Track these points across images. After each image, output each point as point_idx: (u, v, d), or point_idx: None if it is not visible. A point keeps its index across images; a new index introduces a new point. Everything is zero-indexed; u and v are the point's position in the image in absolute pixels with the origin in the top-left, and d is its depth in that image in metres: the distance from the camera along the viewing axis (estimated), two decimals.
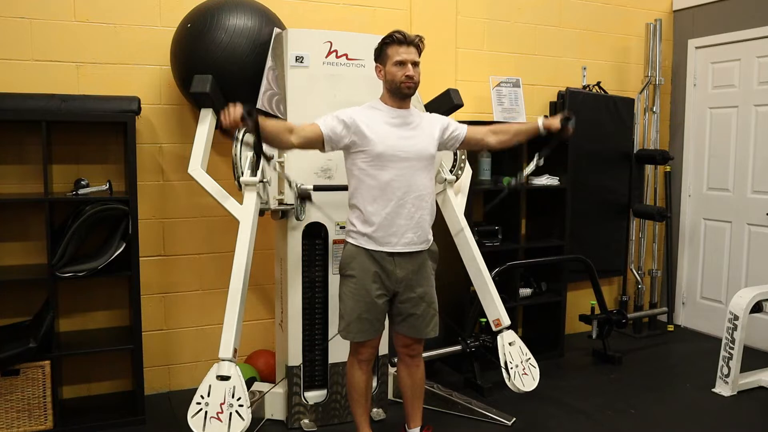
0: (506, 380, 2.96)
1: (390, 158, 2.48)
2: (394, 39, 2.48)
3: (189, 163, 2.85)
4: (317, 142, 2.47)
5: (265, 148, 2.41)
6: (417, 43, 2.51)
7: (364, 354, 2.65)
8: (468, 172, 3.39)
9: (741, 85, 4.43)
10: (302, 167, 2.98)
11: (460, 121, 3.62)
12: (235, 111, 2.17)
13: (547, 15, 4.37)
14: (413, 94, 2.56)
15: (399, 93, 2.51)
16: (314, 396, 3.15)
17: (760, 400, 3.50)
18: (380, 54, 2.53)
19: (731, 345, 3.51)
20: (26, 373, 2.90)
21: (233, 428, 2.34)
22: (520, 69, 4.24)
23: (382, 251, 2.53)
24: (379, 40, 2.54)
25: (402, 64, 2.47)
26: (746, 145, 4.41)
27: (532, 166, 2.65)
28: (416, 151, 2.53)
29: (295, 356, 3.06)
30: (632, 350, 4.32)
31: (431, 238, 2.66)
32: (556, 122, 2.64)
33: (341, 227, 3.04)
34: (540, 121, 2.68)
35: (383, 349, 3.12)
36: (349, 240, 2.59)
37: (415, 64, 2.50)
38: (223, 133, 2.26)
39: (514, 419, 3.18)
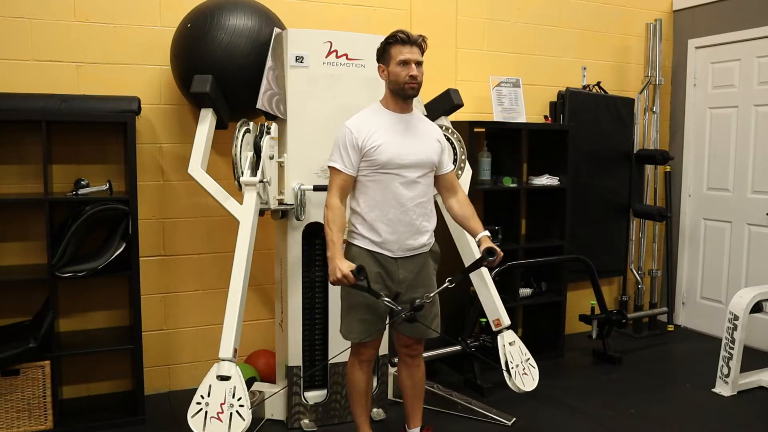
0: (507, 380, 2.96)
1: (394, 166, 2.48)
2: (397, 39, 2.47)
3: (189, 163, 2.85)
4: (352, 183, 2.53)
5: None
6: (420, 43, 2.50)
7: (366, 354, 2.65)
8: (468, 172, 3.38)
9: (741, 85, 4.43)
10: (302, 167, 2.99)
11: (460, 122, 3.66)
12: (348, 276, 2.35)
13: (547, 15, 4.37)
14: (417, 94, 2.55)
15: (402, 93, 2.50)
16: (314, 396, 3.15)
17: (760, 400, 3.50)
18: (383, 54, 2.52)
19: (731, 345, 3.51)
20: (26, 373, 2.89)
21: (233, 428, 2.34)
22: (520, 69, 4.24)
23: (384, 254, 2.54)
24: (382, 40, 2.53)
25: (405, 63, 2.46)
26: (746, 145, 4.40)
27: (444, 286, 2.58)
28: (420, 159, 2.53)
29: (295, 356, 3.06)
30: (632, 350, 4.32)
31: (432, 241, 2.66)
32: (481, 247, 2.56)
33: None
34: (481, 234, 2.62)
35: (383, 349, 3.12)
36: (352, 241, 2.59)
37: (419, 63, 2.49)
38: (332, 283, 2.43)
39: (514, 419, 3.18)
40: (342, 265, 2.38)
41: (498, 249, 2.53)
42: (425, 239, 2.60)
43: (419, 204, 2.54)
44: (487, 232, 2.63)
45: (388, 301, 2.49)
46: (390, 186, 2.49)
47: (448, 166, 2.70)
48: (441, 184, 2.71)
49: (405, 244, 2.54)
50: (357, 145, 2.47)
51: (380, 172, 2.48)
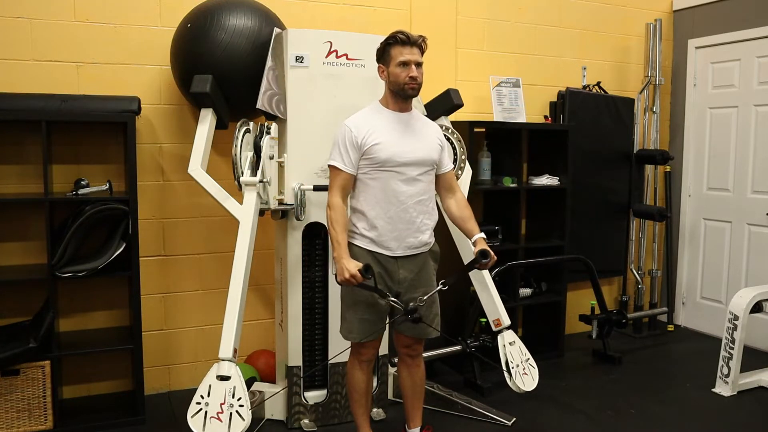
0: (507, 380, 2.96)
1: (394, 164, 2.48)
2: (397, 39, 2.47)
3: (189, 163, 2.85)
4: (353, 181, 2.53)
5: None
6: (420, 44, 2.50)
7: (366, 354, 2.65)
8: (468, 172, 3.38)
9: (741, 85, 4.43)
10: (302, 167, 2.99)
11: (460, 122, 3.66)
12: (356, 275, 2.36)
13: (547, 15, 4.37)
14: (416, 95, 2.55)
15: (402, 94, 2.51)
16: (314, 396, 3.15)
17: (760, 400, 3.50)
18: (383, 54, 2.52)
19: (731, 345, 3.51)
20: (26, 373, 2.89)
21: (233, 428, 2.34)
22: (520, 69, 4.24)
23: (384, 254, 2.54)
24: (382, 41, 2.53)
25: (405, 65, 2.46)
26: (746, 145, 4.40)
27: (438, 288, 2.57)
28: (419, 156, 2.53)
29: (295, 356, 3.06)
30: (632, 350, 4.32)
31: (432, 241, 2.66)
32: (476, 249, 2.54)
33: None
34: (477, 236, 2.58)
35: (383, 349, 3.12)
36: (352, 241, 2.59)
37: (419, 64, 2.49)
38: (340, 283, 2.46)
39: (514, 419, 3.18)
40: (349, 265, 2.39)
41: (491, 252, 2.50)
42: (426, 237, 2.60)
43: (420, 202, 2.54)
44: (482, 234, 2.61)
45: (394, 301, 2.50)
46: (390, 184, 2.49)
47: (448, 166, 2.70)
48: (440, 183, 2.70)
49: (405, 242, 2.54)
50: (356, 144, 2.47)
51: (380, 170, 2.48)
